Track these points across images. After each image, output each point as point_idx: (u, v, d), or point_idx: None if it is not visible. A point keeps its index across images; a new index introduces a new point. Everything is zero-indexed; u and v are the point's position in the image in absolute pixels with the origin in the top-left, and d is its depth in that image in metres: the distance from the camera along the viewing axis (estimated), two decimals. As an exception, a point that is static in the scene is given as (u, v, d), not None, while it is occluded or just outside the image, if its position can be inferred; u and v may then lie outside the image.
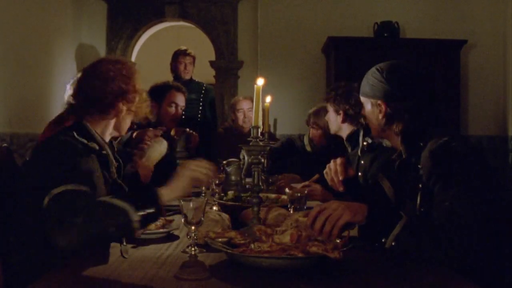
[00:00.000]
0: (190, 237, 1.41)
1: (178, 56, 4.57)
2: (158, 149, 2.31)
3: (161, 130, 2.98)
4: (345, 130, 2.89)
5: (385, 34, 4.98)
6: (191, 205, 1.43)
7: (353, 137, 2.87)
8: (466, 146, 1.59)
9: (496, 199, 1.54)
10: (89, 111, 1.74)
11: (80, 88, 1.76)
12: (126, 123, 1.87)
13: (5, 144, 2.33)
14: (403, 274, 1.34)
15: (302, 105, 5.11)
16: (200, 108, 4.61)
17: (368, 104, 1.80)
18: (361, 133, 2.82)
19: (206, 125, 4.60)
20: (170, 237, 1.70)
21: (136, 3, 5.65)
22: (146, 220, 1.45)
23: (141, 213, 1.41)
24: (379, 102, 1.74)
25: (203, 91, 4.64)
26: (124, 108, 1.77)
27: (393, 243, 1.46)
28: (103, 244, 1.50)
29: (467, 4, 5.24)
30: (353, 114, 2.81)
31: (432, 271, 1.36)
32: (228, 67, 5.64)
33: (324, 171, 2.32)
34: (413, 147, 1.67)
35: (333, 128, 2.95)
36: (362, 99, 1.84)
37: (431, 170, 1.55)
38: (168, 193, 1.53)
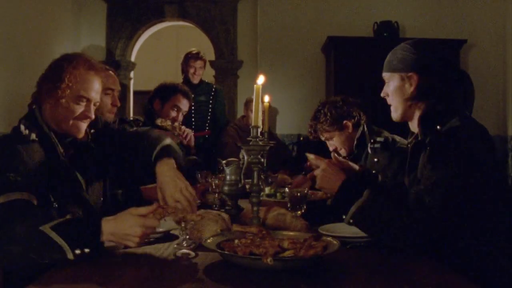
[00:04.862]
0: (183, 239, 1.40)
1: (189, 60, 4.51)
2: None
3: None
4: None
5: (385, 34, 4.98)
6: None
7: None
8: (475, 136, 1.57)
9: (481, 195, 1.53)
10: (38, 98, 1.79)
11: None
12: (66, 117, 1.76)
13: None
14: (403, 274, 1.34)
15: (302, 105, 5.11)
16: (210, 110, 4.59)
17: (394, 80, 1.74)
18: (366, 130, 2.76)
19: (217, 126, 4.59)
20: (170, 237, 1.70)
21: (136, 3, 5.65)
22: (83, 256, 1.41)
23: (78, 252, 1.38)
24: (410, 74, 1.69)
25: (212, 93, 4.62)
26: (49, 94, 1.74)
27: (350, 221, 1.53)
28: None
29: (467, 4, 5.24)
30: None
31: (432, 271, 1.36)
32: (227, 67, 5.63)
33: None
34: (430, 128, 1.65)
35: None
36: (387, 75, 1.77)
37: (431, 151, 1.56)
38: (111, 231, 1.44)
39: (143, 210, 1.49)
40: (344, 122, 2.77)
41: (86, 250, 1.39)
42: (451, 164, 1.50)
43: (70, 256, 1.37)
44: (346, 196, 1.57)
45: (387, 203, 1.51)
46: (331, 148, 2.93)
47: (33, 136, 1.68)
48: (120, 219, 1.46)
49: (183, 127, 3.29)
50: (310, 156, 1.77)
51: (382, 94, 1.81)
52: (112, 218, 1.47)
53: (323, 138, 2.91)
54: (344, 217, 1.55)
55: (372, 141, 2.64)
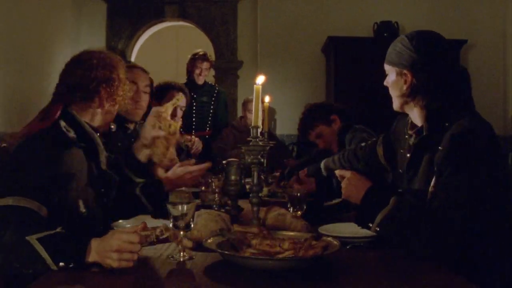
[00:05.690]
0: (178, 242, 1.39)
1: (196, 60, 4.49)
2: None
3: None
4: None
5: (385, 34, 4.98)
6: (180, 208, 1.41)
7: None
8: (487, 137, 1.54)
9: (497, 201, 1.52)
10: (73, 99, 1.71)
11: (63, 77, 1.74)
12: (110, 115, 1.78)
13: (5, 144, 2.32)
14: (403, 274, 1.34)
15: (302, 105, 5.08)
16: (211, 111, 4.59)
17: (392, 73, 1.70)
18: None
19: (217, 128, 4.59)
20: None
21: (136, 3, 5.65)
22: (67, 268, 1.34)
23: (62, 264, 1.31)
24: (405, 71, 1.65)
25: (214, 94, 4.62)
26: (107, 96, 1.71)
27: (377, 229, 1.50)
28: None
29: (467, 4, 5.25)
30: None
31: (432, 271, 1.35)
32: (228, 67, 5.64)
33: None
34: (437, 125, 1.60)
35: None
36: (387, 67, 1.73)
37: (447, 153, 1.51)
38: (97, 249, 1.33)
39: (129, 228, 1.39)
40: (332, 116, 2.83)
41: (70, 265, 1.32)
42: (471, 171, 1.47)
43: (53, 267, 1.32)
44: (372, 204, 1.54)
45: (413, 212, 1.48)
46: (320, 146, 2.96)
47: (74, 138, 1.63)
48: (105, 237, 1.36)
49: (195, 138, 3.32)
50: (337, 171, 1.76)
51: (384, 83, 1.77)
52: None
53: (312, 137, 2.94)
54: (370, 225, 1.52)
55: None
